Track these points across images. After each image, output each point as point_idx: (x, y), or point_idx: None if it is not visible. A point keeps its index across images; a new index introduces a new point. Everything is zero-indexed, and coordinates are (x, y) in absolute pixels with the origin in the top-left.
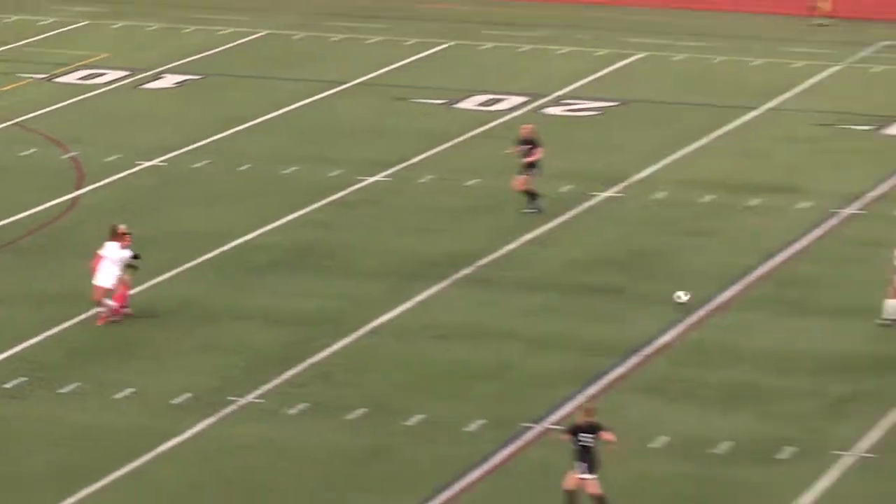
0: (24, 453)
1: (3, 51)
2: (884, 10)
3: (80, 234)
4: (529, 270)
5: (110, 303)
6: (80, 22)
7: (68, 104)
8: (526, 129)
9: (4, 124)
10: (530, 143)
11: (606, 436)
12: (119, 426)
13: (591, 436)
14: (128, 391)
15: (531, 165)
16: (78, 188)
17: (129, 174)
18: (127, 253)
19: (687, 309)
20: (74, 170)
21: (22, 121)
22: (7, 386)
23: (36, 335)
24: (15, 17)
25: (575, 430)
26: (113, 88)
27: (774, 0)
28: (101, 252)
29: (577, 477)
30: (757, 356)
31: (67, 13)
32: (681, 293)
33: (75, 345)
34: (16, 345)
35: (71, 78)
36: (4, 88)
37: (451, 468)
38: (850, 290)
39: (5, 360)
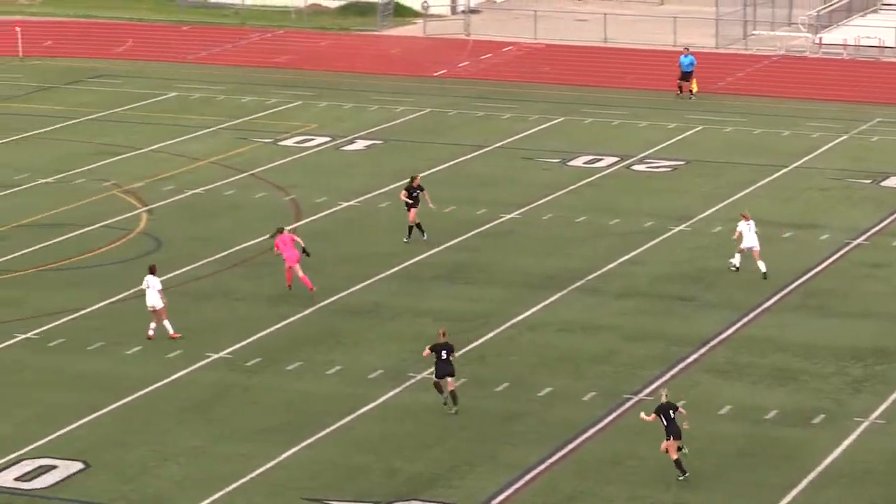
0: (260, 414)
1: (239, 122)
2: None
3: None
4: (624, 282)
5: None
6: (295, 102)
7: (288, 160)
8: (416, 180)
9: (242, 175)
10: (420, 189)
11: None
12: (329, 394)
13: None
14: (336, 368)
15: (416, 204)
16: (297, 221)
17: (333, 211)
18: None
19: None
20: (293, 208)
21: (255, 172)
22: (248, 364)
23: (268, 327)
24: (248, 98)
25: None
26: (321, 149)
27: (797, 89)
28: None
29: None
30: (792, 347)
31: (286, 95)
32: (734, 260)
33: (297, 334)
34: (254, 334)
35: (290, 142)
36: (242, 149)
37: (572, 428)
38: (857, 299)
39: (247, 344)
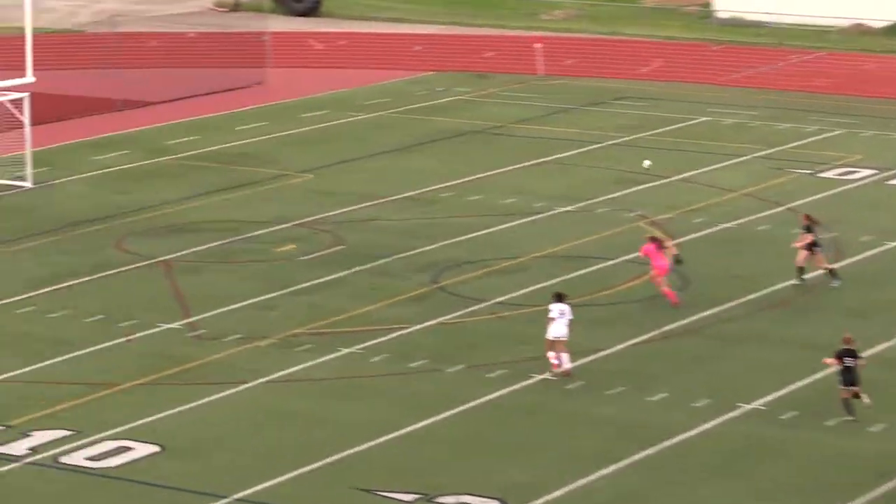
0: (795, 472)
1: (775, 151)
2: None
3: (839, 296)
4: None
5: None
6: (836, 131)
7: (828, 194)
8: (806, 219)
9: (778, 208)
10: (815, 223)
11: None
12: (871, 453)
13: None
14: (881, 426)
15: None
16: (837, 261)
17: (878, 251)
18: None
19: None
20: (834, 246)
21: (792, 206)
22: (783, 417)
23: (805, 377)
24: (785, 125)
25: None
26: (865, 183)
27: None
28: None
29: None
30: None
31: (827, 123)
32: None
33: (836, 385)
34: (790, 384)
35: (830, 173)
36: (778, 180)
37: None
38: None
39: (782, 395)
